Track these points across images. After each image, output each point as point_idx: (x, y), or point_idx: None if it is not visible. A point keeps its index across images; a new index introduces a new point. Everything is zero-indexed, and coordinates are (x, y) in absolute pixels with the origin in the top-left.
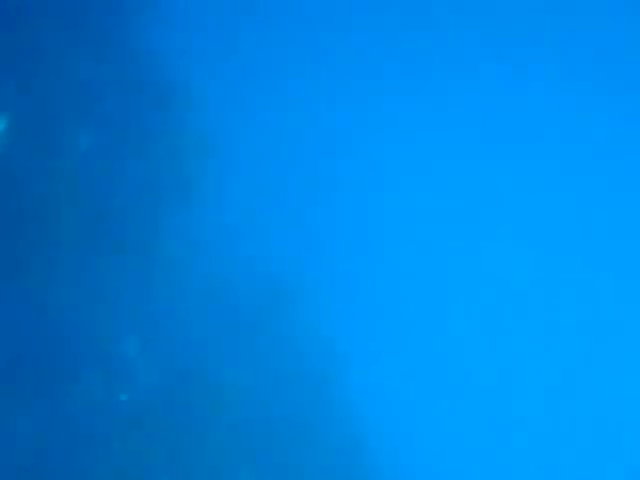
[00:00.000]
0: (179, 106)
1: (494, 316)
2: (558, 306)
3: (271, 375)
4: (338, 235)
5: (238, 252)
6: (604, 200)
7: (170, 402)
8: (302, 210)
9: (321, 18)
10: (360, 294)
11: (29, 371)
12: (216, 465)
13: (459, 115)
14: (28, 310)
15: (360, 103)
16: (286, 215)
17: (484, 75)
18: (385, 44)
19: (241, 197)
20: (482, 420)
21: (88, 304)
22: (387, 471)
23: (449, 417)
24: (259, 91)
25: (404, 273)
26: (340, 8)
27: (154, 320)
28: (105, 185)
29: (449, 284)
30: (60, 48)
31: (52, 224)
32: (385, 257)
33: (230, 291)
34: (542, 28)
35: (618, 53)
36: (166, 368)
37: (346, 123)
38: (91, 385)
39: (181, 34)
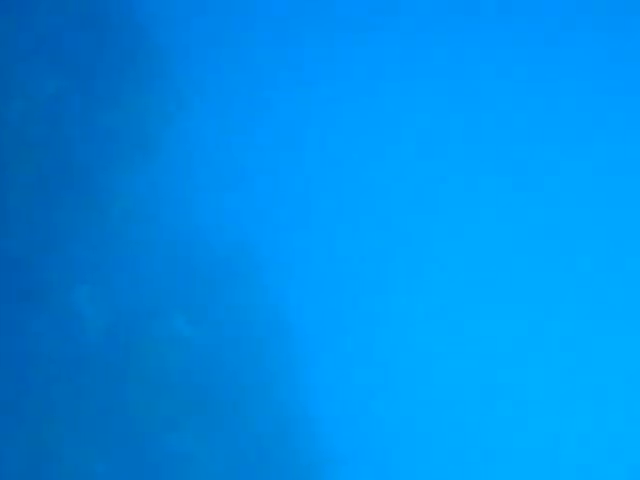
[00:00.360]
0: (149, 62)
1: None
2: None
3: (219, 331)
4: (299, 204)
5: (195, 209)
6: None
7: (117, 352)
8: (266, 178)
9: None
10: (318, 265)
11: None
12: (159, 413)
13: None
14: None
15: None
16: (250, 181)
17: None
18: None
19: (205, 160)
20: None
21: (40, 252)
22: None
23: (395, 389)
24: (229, 50)
25: (361, 249)
26: None
27: (107, 271)
28: (68, 131)
29: (403, 263)
30: None
31: (6, 166)
32: (343, 230)
33: (185, 248)
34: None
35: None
36: (115, 319)
37: (309, 85)
38: (39, 331)
39: None
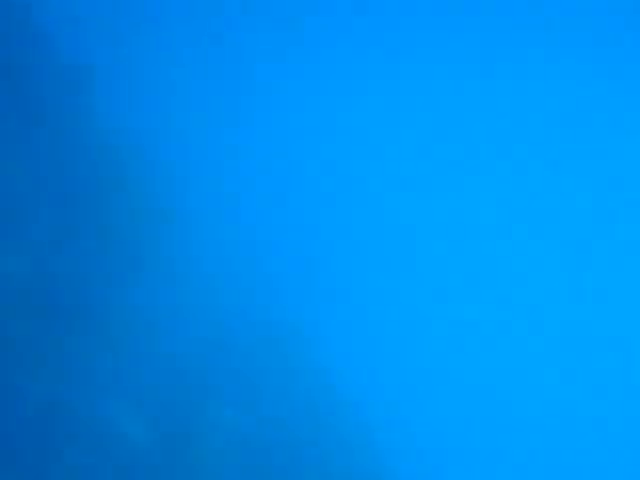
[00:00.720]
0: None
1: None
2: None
3: (266, 422)
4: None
5: (227, 300)
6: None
7: (165, 458)
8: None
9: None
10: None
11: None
12: None
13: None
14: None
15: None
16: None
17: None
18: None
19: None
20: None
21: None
22: None
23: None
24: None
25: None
26: None
27: (137, 380)
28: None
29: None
30: None
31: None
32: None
33: (218, 342)
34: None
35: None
36: (155, 425)
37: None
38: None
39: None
